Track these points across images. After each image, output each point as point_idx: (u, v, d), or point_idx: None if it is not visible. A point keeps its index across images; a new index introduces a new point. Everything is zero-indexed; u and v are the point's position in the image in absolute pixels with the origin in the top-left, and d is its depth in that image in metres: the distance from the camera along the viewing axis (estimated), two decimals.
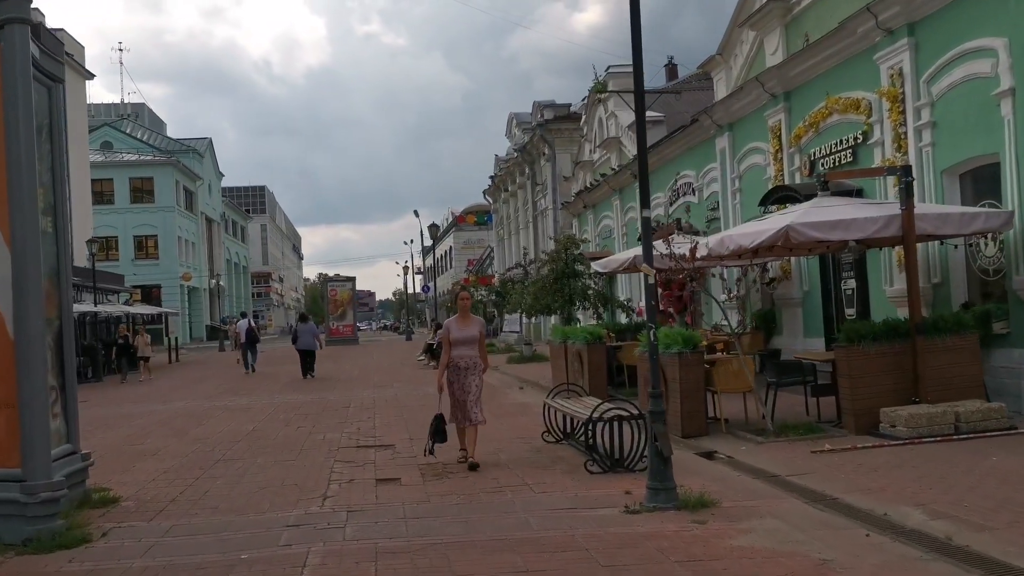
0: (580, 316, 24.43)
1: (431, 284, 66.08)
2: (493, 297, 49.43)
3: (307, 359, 25.76)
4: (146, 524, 7.59)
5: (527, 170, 46.88)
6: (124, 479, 9.89)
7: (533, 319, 38.25)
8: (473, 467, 9.49)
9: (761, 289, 18.83)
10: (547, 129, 41.91)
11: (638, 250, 18.44)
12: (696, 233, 16.72)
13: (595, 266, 20.02)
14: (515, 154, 48.99)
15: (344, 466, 10.16)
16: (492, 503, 7.89)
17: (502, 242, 56.45)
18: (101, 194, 61.32)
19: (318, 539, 6.77)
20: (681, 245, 12.48)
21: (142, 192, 64.85)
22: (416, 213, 67.08)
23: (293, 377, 25.70)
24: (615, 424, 9.31)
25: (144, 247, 64.91)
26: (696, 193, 23.10)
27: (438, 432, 9.83)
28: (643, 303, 24.44)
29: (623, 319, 24.02)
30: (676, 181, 24.53)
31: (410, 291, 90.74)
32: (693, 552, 6.06)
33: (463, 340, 10.05)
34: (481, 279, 57.87)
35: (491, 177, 57.52)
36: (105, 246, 61.25)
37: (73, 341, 8.82)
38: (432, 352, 28.77)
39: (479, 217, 77.31)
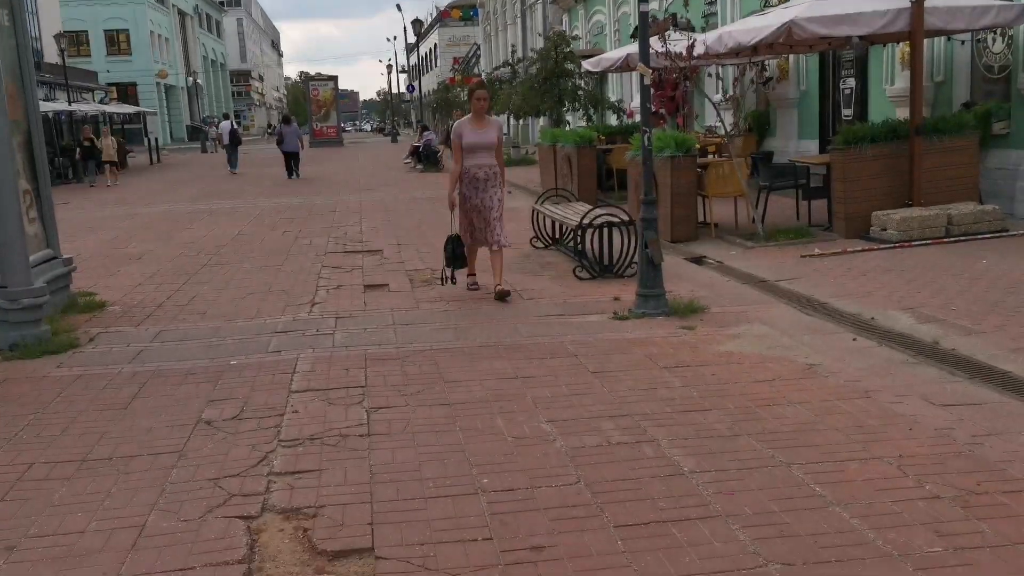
0: (569, 118, 23.80)
1: (415, 84, 64.12)
2: None
3: (292, 161, 26.27)
4: (134, 329, 7.56)
5: None
6: (110, 283, 9.82)
7: (521, 121, 37.46)
8: (502, 296, 8.09)
9: (757, 89, 18.25)
10: None
11: (631, 48, 17.69)
12: (692, 30, 15.92)
13: (586, 65, 19.24)
14: None
15: (331, 272, 10.10)
16: (480, 310, 7.87)
17: (489, 39, 54.32)
18: None
19: (307, 345, 6.77)
20: (677, 42, 11.87)
21: None
22: (399, 7, 63.95)
23: (277, 179, 25.42)
24: (605, 230, 9.18)
25: (116, 42, 62.23)
26: None
27: (456, 257, 8.48)
28: (635, 105, 23.78)
29: (613, 121, 23.44)
30: None
31: (394, 91, 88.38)
32: (681, 358, 6.08)
33: (480, 146, 8.33)
34: (467, 78, 56.03)
35: None
36: (75, 41, 59.05)
37: (43, 143, 8.45)
38: (418, 156, 28.33)
39: (464, 12, 74.08)
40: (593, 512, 3.75)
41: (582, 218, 9.14)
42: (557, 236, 11.25)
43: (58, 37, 33.81)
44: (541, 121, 34.97)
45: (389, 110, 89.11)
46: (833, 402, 5.05)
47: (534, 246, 11.28)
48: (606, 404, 5.14)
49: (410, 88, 75.22)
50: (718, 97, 19.57)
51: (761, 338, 6.56)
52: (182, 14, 73.13)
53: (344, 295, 8.72)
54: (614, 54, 17.50)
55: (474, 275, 8.80)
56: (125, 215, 17.56)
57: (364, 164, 33.24)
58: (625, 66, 16.36)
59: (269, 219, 15.86)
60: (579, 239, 9.37)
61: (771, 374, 5.63)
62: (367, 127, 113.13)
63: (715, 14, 19.64)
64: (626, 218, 9.15)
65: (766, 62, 16.39)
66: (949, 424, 4.63)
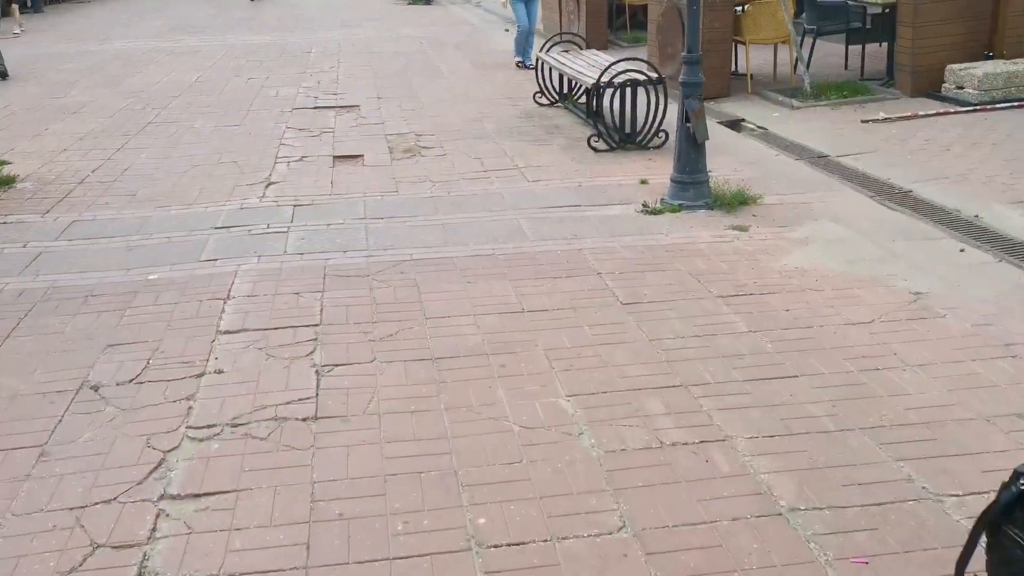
0: None
1: None
2: None
3: None
4: (38, 219, 6.01)
5: None
6: (31, 148, 8.17)
7: None
8: None
9: None
10: None
11: None
12: None
13: None
14: None
15: (296, 136, 8.42)
16: (475, 196, 6.31)
17: None
18: None
19: (251, 251, 5.26)
20: None
21: None
22: None
23: (248, 10, 22.93)
24: (627, 90, 7.47)
25: None
26: None
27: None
28: None
29: None
30: None
31: None
32: (739, 278, 4.61)
33: None
34: None
35: None
36: None
37: None
38: None
39: None
40: None
41: (600, 75, 7.40)
42: (566, 91, 9.51)
43: None
44: None
45: None
46: (967, 364, 3.63)
47: (538, 103, 9.55)
48: (648, 363, 3.71)
49: None
50: None
51: (837, 244, 5.08)
52: None
53: (308, 171, 7.11)
54: None
55: None
56: (73, 54, 15.44)
57: None
58: None
59: (235, 62, 13.88)
60: (595, 101, 7.68)
61: (867, 310, 4.18)
62: None
63: None
64: (653, 75, 7.43)
65: None
66: None
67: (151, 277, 4.86)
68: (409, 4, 24.61)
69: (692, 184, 5.81)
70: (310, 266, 4.96)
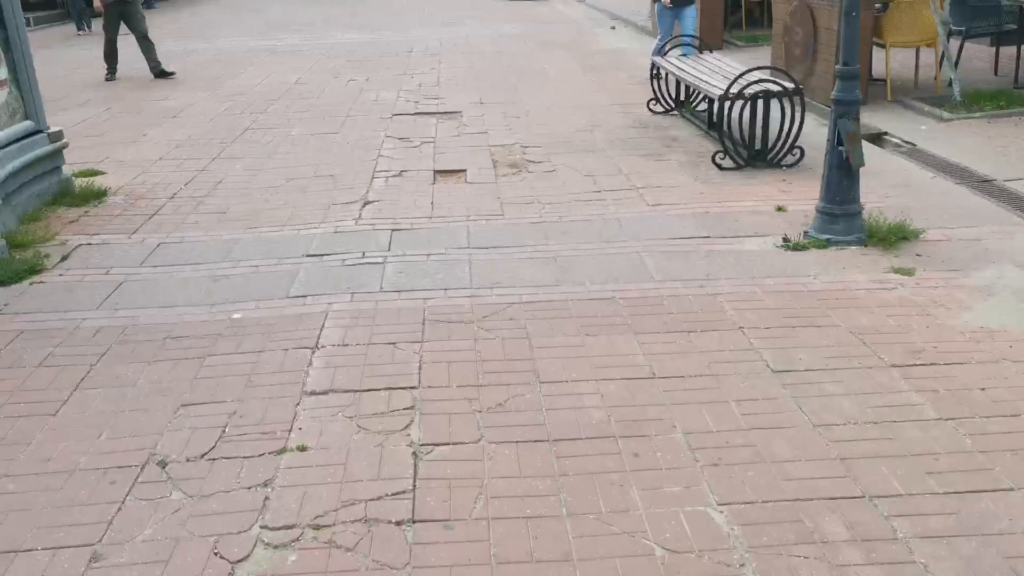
0: None
1: None
2: None
3: None
4: (125, 241, 5.65)
5: None
6: (127, 156, 7.91)
7: None
8: None
9: None
10: None
11: None
12: None
13: None
14: None
15: (395, 146, 7.93)
16: (590, 222, 5.67)
17: None
18: None
19: (344, 285, 4.74)
20: None
21: None
22: None
23: (353, 7, 22.79)
24: (758, 101, 6.71)
25: None
26: None
27: None
28: None
29: None
30: None
31: None
32: (914, 341, 3.85)
33: None
34: None
35: None
36: None
37: None
38: None
39: None
40: None
41: (728, 85, 6.66)
42: (682, 97, 8.78)
43: None
44: None
45: None
46: None
47: (652, 110, 8.85)
48: (816, 461, 3.02)
49: None
50: None
51: None
52: None
53: (407, 188, 6.60)
54: None
55: None
56: (179, 53, 15.40)
57: None
58: None
59: (335, 62, 13.57)
60: (722, 113, 6.94)
61: None
62: None
63: None
64: (789, 84, 6.64)
65: None
66: None
67: (235, 316, 4.40)
68: (512, 0, 24.10)
69: (842, 216, 5.04)
70: (408, 307, 4.42)
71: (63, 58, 14.75)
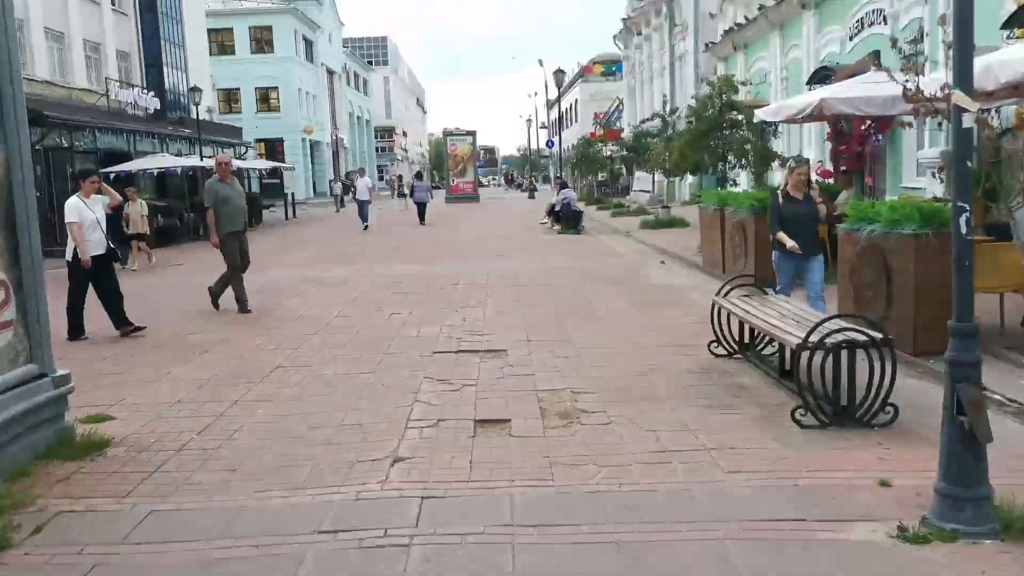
0: (736, 177, 20.44)
1: (555, 139, 62.03)
2: (623, 152, 45.30)
3: (421, 209, 30.80)
4: (113, 507, 4.85)
5: (664, 9, 41.62)
6: (142, 398, 7.31)
7: (668, 178, 34.33)
8: None
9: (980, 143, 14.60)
10: None
11: (823, 92, 14.41)
12: (914, 61, 12.47)
13: (760, 115, 16.01)
14: None
15: (434, 389, 7.25)
16: (656, 494, 4.78)
17: (633, 92, 51.62)
18: (222, 44, 59.63)
19: None
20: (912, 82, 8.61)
21: (261, 42, 62.63)
22: (540, 62, 62.45)
23: (404, 238, 23.21)
24: (841, 351, 5.94)
25: (266, 100, 63.13)
26: (888, 22, 18.45)
27: None
28: (822, 162, 20.23)
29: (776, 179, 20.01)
30: (859, 10, 19.85)
31: (533, 146, 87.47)
32: None
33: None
34: (609, 133, 53.55)
35: (623, 20, 52.10)
36: (228, 99, 60.23)
37: (36, 211, 5.99)
38: (556, 215, 25.63)
39: (606, 68, 72.28)
40: None
41: (807, 333, 5.93)
42: (746, 340, 8.09)
43: (193, 91, 33.08)
44: (689, 178, 31.75)
45: (528, 165, 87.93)
46: None
47: (713, 353, 8.15)
48: None
49: (549, 144, 73.79)
50: (933, 152, 15.98)
51: None
52: (330, 72, 74.04)
53: (443, 442, 5.82)
54: (801, 99, 14.18)
55: None
56: None
57: (499, 222, 30.89)
58: (820, 114, 13.05)
59: (379, 294, 13.31)
60: (798, 362, 6.17)
61: None
62: (502, 181, 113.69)
63: (920, 54, 16.09)
64: (877, 335, 5.90)
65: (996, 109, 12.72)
66: None
67: None
68: (559, 234, 24.42)
69: (970, 502, 4.11)
70: None
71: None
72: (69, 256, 10.21)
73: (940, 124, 9.59)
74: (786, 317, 6.86)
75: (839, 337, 5.87)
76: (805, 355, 5.98)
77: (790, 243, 8.24)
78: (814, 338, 5.89)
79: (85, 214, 10.18)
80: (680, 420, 6.16)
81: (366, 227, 28.67)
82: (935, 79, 8.56)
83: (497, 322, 10.44)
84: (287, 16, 62.56)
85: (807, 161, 9.81)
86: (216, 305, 11.91)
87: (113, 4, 32.83)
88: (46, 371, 5.94)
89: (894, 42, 8.88)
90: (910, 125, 13.95)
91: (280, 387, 7.56)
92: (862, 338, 5.87)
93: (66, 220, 10.27)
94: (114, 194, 11.00)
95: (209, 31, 48.78)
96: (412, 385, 7.44)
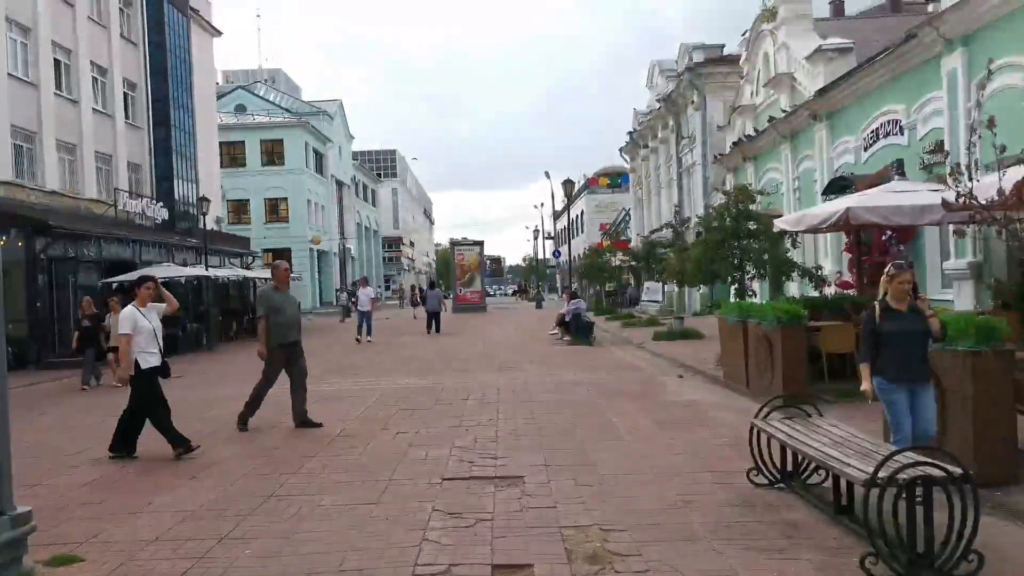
0: (756, 288, 19.88)
1: (562, 249, 62.18)
2: (632, 263, 45.11)
3: (433, 318, 30.89)
4: None
5: (671, 122, 42.16)
6: (119, 533, 6.52)
7: (677, 289, 33.92)
8: None
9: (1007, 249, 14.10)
10: (696, 74, 37.10)
11: (848, 200, 13.99)
12: (951, 167, 12.03)
13: (780, 224, 15.59)
14: (658, 105, 44.27)
15: (444, 525, 6.45)
16: None
17: (640, 203, 51.90)
18: (233, 157, 60.58)
19: None
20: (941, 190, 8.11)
21: (272, 155, 63.66)
22: (547, 174, 63.28)
23: (412, 349, 22.54)
24: (915, 488, 5.17)
25: (276, 210, 63.71)
26: (905, 133, 18.24)
27: None
28: (840, 272, 19.72)
29: (804, 290, 19.44)
30: (873, 120, 19.72)
31: (539, 256, 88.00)
32: None
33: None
34: (617, 243, 53.60)
35: (629, 133, 52.88)
36: (237, 209, 60.75)
37: (2, 321, 5.35)
38: (566, 326, 25.01)
39: (612, 180, 73.23)
40: None
41: (877, 467, 5.16)
42: (789, 467, 7.30)
43: (202, 201, 33.11)
44: (701, 289, 31.27)
45: (535, 275, 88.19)
46: None
47: (753, 482, 7.35)
48: None
49: (556, 253, 74.18)
50: (962, 263, 15.47)
51: None
52: (340, 184, 75.05)
53: None
54: (827, 208, 13.72)
55: None
56: (223, 399, 14.66)
57: (507, 333, 30.28)
58: (846, 222, 12.57)
59: (385, 410, 12.55)
60: (856, 497, 5.38)
61: None
62: (509, 291, 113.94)
63: (940, 164, 15.78)
64: (956, 469, 5.13)
65: None
66: None
67: None
68: (569, 344, 23.74)
69: None
70: None
71: (99, 404, 14.02)
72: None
73: (1001, 233, 8.94)
74: (842, 445, 6.11)
75: (913, 472, 5.11)
76: (879, 495, 5.20)
77: (865, 383, 6.65)
78: (883, 473, 5.13)
79: (141, 323, 9.48)
80: (729, 567, 5.35)
81: (369, 340, 27.38)
82: (988, 183, 8.06)
83: (511, 443, 9.65)
84: (298, 130, 63.78)
85: (910, 266, 8.38)
86: (243, 428, 11.17)
87: (127, 117, 33.21)
88: (3, 509, 5.19)
89: (939, 146, 8.37)
90: (963, 234, 13.38)
91: (271, 522, 6.76)
92: (940, 474, 5.10)
93: (119, 331, 9.62)
94: (172, 300, 10.37)
95: (221, 144, 49.49)
96: (420, 519, 6.63)
